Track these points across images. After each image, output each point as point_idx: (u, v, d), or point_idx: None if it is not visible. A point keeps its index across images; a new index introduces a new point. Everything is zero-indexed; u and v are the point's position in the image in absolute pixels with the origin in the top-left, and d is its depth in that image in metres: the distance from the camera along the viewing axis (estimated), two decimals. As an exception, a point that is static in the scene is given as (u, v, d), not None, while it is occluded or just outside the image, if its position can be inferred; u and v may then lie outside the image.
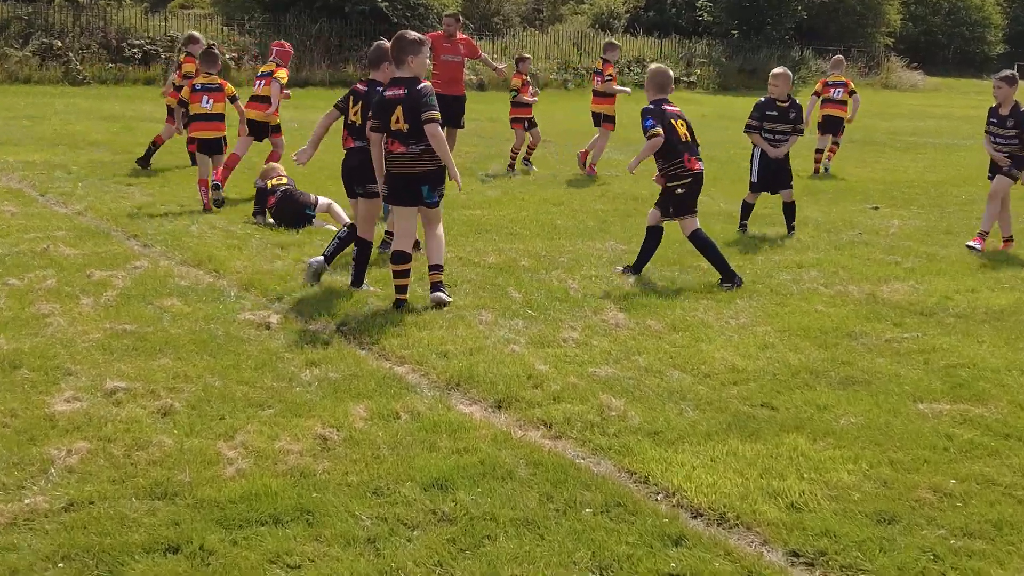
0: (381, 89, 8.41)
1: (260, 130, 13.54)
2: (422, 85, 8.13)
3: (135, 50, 30.57)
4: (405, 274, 8.36)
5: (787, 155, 12.24)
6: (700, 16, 45.86)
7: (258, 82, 13.78)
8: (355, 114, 9.02)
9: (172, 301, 8.14)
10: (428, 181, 8.26)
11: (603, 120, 17.09)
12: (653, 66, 10.55)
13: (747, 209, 12.40)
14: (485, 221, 12.12)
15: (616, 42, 18.71)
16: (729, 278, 9.39)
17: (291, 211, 11.40)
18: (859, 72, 45.75)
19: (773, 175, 12.09)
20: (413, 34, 8.34)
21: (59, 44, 29.65)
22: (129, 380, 6.36)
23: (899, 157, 20.60)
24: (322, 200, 11.61)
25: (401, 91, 8.10)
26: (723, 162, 18.77)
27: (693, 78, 39.94)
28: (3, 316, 7.58)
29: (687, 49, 41.71)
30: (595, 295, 8.91)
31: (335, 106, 9.31)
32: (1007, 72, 11.92)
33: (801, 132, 12.50)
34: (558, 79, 37.13)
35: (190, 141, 13.42)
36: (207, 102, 12.49)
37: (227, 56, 31.15)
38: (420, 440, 5.67)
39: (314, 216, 11.50)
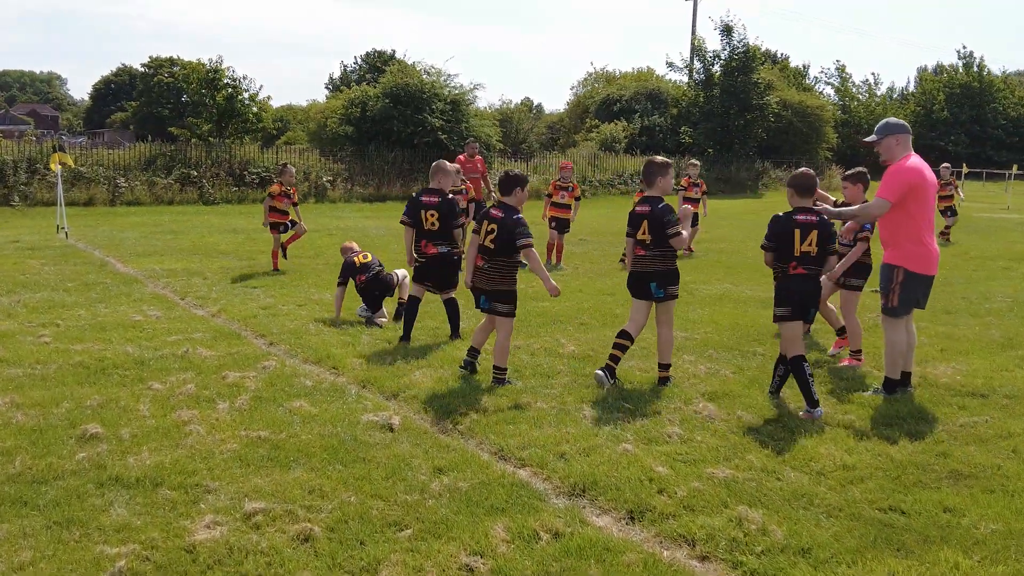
0: (633, 208, 7.41)
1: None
2: (664, 204, 7.15)
3: (253, 176, 29.41)
4: (621, 347, 7.34)
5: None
6: (683, 139, 44.55)
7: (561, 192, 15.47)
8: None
9: (300, 403, 6.63)
10: (656, 279, 7.18)
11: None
12: (442, 163, 9.14)
13: None
14: (555, 312, 10.59)
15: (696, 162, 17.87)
16: (406, 337, 8.84)
17: (378, 291, 9.92)
18: (807, 178, 44.25)
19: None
20: (660, 159, 7.39)
21: (195, 173, 28.53)
22: (267, 498, 4.83)
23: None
24: (399, 273, 10.13)
25: (647, 208, 7.20)
26: (730, 253, 17.29)
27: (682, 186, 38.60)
28: (147, 425, 6.08)
29: (676, 165, 40.30)
30: (677, 384, 7.35)
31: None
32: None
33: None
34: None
35: None
36: None
37: (324, 179, 30.11)
38: (570, 569, 4.10)
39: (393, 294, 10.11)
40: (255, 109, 32.97)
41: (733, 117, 42.44)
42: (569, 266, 15.13)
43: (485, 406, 6.62)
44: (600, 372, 7.22)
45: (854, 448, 5.79)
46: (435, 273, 8.80)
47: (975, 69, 68.67)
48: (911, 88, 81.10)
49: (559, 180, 15.70)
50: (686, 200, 16.78)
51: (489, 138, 34.90)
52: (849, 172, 8.87)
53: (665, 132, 46.27)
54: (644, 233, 7.19)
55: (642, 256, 7.25)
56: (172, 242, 17.29)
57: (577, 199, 15.63)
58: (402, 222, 8.90)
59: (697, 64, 44.70)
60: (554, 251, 15.30)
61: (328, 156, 32.77)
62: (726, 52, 43.13)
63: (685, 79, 47.25)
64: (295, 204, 13.97)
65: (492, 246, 7.28)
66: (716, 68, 43.35)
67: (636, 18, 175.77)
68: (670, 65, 47.73)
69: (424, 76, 34.21)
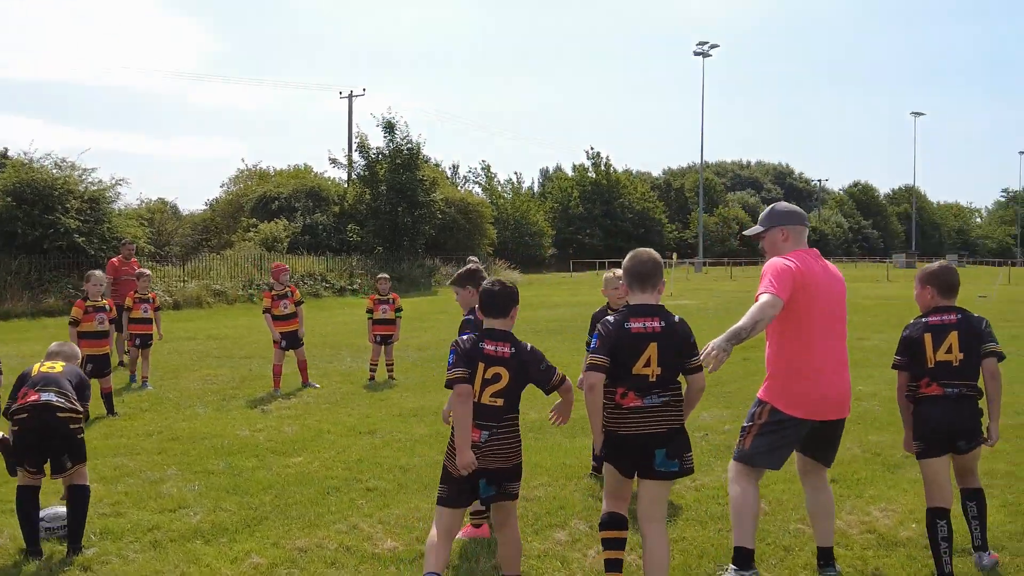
0: (616, 320, 4.54)
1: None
2: (679, 318, 4.56)
3: None
4: (619, 544, 4.59)
5: None
6: (350, 237, 42.33)
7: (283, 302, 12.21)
8: None
9: None
10: (668, 443, 4.44)
11: None
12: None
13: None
14: (319, 474, 7.48)
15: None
16: (36, 550, 5.44)
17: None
18: (476, 273, 43.92)
19: None
20: (654, 252, 4.73)
21: None
22: None
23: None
24: None
25: (657, 323, 4.45)
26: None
27: (356, 286, 36.17)
28: None
29: (347, 264, 37.89)
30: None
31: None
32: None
33: None
34: (244, 295, 31.93)
35: None
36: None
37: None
38: None
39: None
40: None
41: (401, 215, 41.08)
42: (321, 383, 12.37)
43: None
44: None
45: None
46: (38, 436, 5.46)
47: (603, 168, 74.40)
48: (535, 188, 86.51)
49: (275, 288, 12.47)
50: (376, 325, 13.22)
51: (136, 239, 30.15)
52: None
53: (329, 230, 43.83)
54: (650, 365, 4.43)
55: (638, 408, 4.42)
56: None
57: (299, 303, 12.51)
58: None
59: (362, 160, 42.98)
60: (279, 374, 12.06)
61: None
62: (390, 148, 41.94)
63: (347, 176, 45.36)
64: None
65: (500, 402, 4.45)
66: (381, 165, 41.94)
67: (286, 113, 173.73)
68: (333, 162, 45.67)
69: (54, 171, 28.87)
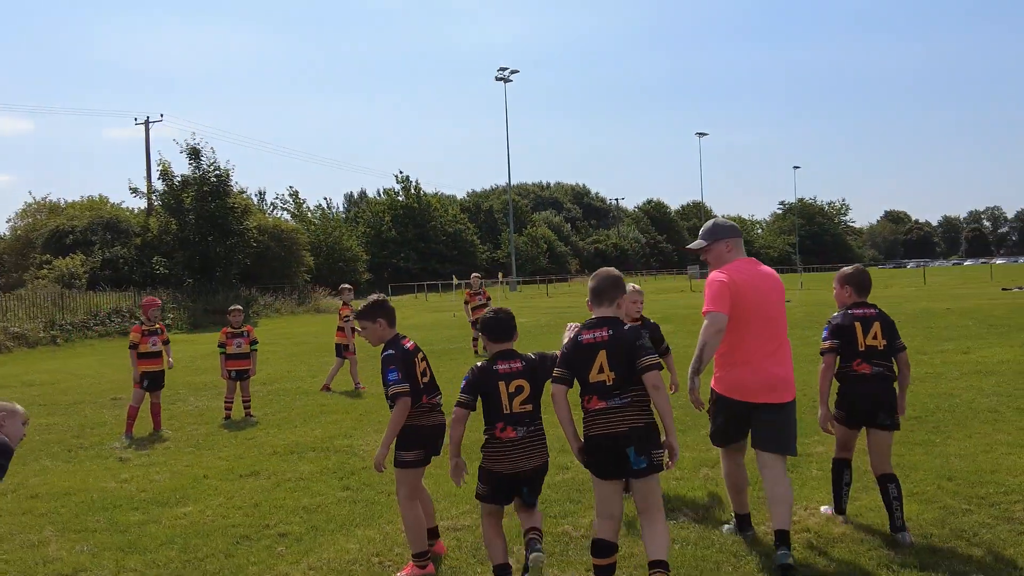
0: (573, 336, 4.91)
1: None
2: (630, 326, 4.82)
3: None
4: (609, 571, 4.75)
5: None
6: (156, 270, 40.02)
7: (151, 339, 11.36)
8: None
9: None
10: (634, 441, 4.61)
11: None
12: None
13: None
14: (218, 523, 6.97)
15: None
16: None
17: None
18: (295, 303, 42.64)
19: None
20: (615, 272, 5.06)
21: None
22: None
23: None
24: None
25: (605, 332, 4.72)
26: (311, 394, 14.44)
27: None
28: None
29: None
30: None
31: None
32: None
33: None
34: (47, 336, 29.50)
35: None
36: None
37: None
38: None
39: None
40: None
41: (213, 244, 39.31)
42: (171, 426, 11.60)
43: None
44: None
45: None
46: None
47: (413, 192, 74.34)
48: (342, 213, 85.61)
49: (144, 324, 11.50)
50: (230, 360, 12.47)
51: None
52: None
53: (132, 264, 41.34)
54: (603, 371, 4.68)
55: (603, 409, 4.68)
56: None
57: (167, 343, 11.64)
58: None
59: (166, 189, 40.81)
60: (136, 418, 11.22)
61: None
62: (196, 175, 40.10)
63: (152, 205, 42.95)
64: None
65: (529, 407, 5.05)
66: (188, 193, 39.99)
67: (74, 142, 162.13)
68: (134, 191, 43.09)
69: None
